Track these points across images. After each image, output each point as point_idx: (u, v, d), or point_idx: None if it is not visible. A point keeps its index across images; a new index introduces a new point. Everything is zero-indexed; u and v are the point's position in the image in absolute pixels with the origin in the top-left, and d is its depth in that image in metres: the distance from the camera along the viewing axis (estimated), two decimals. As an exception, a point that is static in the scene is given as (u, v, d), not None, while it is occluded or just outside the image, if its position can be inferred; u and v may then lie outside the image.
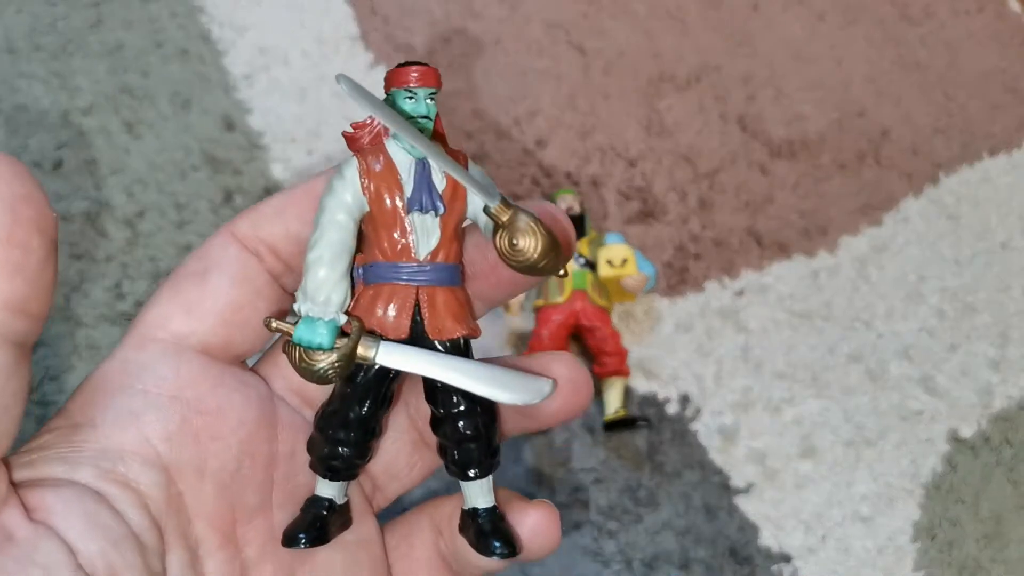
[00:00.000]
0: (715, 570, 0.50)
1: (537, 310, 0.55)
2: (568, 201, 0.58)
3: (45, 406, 0.51)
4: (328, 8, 0.66)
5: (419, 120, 0.23)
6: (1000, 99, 0.67)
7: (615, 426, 0.53)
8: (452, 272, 0.24)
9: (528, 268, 0.23)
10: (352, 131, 0.24)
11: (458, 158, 0.24)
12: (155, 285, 0.55)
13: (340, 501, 0.26)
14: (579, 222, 0.57)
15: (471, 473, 0.25)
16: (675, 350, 0.56)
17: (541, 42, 0.66)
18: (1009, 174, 0.64)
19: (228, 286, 0.24)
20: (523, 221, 0.22)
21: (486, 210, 0.23)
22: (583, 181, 0.61)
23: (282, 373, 0.26)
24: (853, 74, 0.67)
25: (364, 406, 0.24)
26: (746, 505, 0.52)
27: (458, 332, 0.24)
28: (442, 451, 0.25)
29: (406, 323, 0.23)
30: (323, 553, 0.26)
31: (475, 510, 0.25)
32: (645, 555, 0.50)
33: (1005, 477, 0.53)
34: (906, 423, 0.54)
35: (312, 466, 0.25)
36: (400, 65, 0.23)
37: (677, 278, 0.58)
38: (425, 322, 0.24)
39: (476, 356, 0.25)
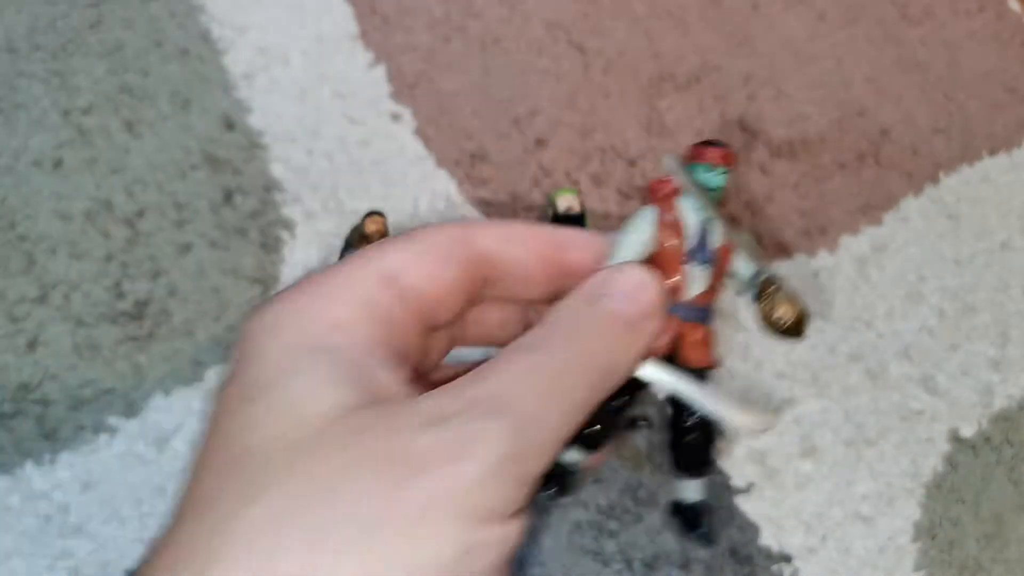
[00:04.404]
0: (715, 570, 0.50)
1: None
2: (568, 201, 0.57)
3: (46, 405, 0.51)
4: (328, 7, 0.66)
5: (714, 191, 0.30)
6: (1000, 99, 0.67)
7: (615, 426, 0.53)
8: (707, 313, 0.30)
9: (778, 332, 0.30)
10: (654, 186, 0.31)
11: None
12: (155, 285, 0.55)
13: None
14: (579, 222, 0.57)
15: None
16: (675, 350, 0.56)
17: (541, 42, 0.66)
18: (1009, 174, 0.64)
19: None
20: (783, 294, 0.29)
21: (754, 278, 0.30)
22: (583, 181, 0.61)
23: None
24: (853, 74, 0.67)
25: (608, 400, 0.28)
26: (746, 505, 0.52)
27: (704, 362, 0.30)
28: (674, 447, 0.30)
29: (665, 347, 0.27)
30: None
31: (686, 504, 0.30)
32: (645, 555, 0.50)
33: (1006, 477, 0.53)
34: (906, 423, 0.54)
35: None
36: (703, 144, 0.31)
37: (677, 278, 0.58)
38: (681, 349, 0.30)
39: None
